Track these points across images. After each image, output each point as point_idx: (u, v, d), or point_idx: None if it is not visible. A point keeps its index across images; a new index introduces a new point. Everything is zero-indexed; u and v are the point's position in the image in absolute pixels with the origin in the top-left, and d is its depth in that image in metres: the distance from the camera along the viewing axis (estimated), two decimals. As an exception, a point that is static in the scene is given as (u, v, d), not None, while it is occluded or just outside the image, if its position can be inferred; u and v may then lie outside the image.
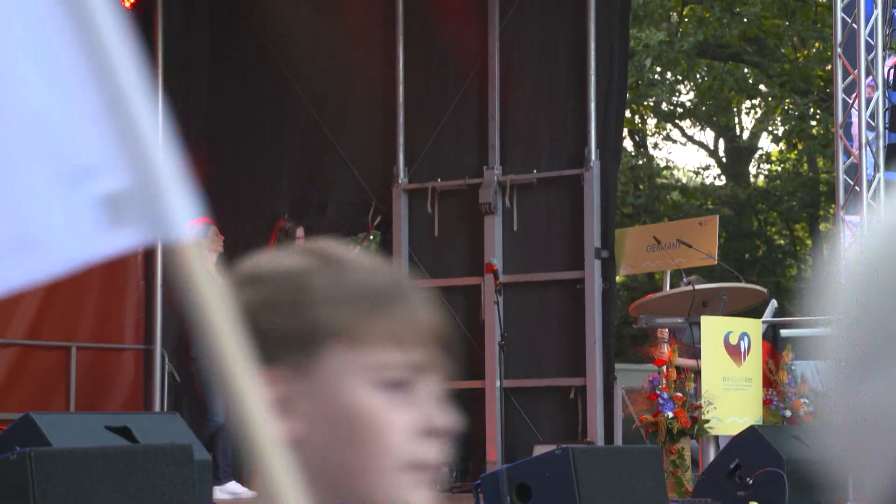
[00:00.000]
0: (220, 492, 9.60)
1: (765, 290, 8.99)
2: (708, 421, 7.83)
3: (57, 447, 4.49)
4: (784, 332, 13.79)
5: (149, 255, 12.12)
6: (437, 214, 11.85)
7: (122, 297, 12.04)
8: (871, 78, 8.42)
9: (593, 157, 11.24)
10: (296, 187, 12.30)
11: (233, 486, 9.90)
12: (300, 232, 10.31)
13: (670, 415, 7.83)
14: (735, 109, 26.09)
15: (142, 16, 11.96)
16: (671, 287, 10.69)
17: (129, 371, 12.03)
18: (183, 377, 11.95)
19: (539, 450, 9.47)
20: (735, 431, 7.55)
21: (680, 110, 26.26)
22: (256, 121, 12.35)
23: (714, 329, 8.13)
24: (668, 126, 27.01)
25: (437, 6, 12.03)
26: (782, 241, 26.38)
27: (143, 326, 12.10)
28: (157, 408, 11.72)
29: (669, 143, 27.92)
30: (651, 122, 26.64)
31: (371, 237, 13.18)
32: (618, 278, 12.24)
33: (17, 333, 11.18)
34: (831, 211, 23.89)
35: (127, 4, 11.49)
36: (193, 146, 12.28)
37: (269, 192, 12.21)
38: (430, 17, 12.03)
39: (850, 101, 8.41)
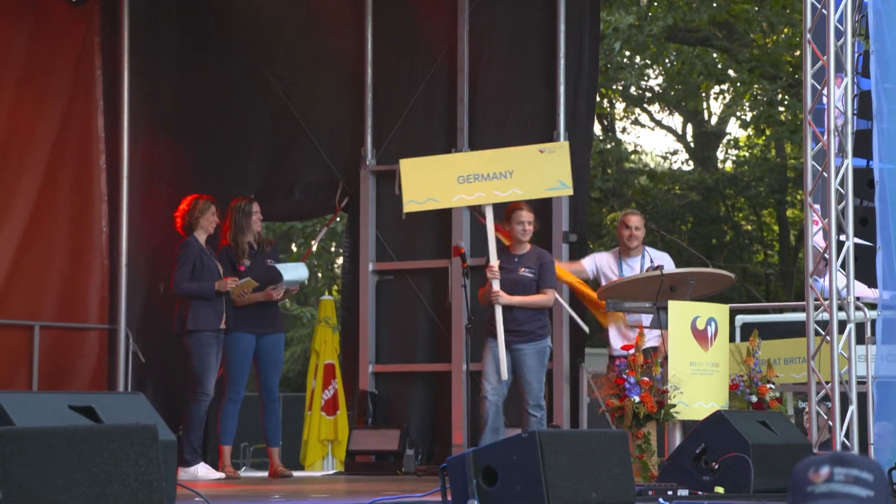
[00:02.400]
0: (183, 473, 9.58)
1: (732, 275, 9.01)
2: (674, 406, 7.86)
3: (20, 426, 4.47)
4: (750, 318, 13.85)
5: (114, 234, 12.07)
6: (405, 196, 11.83)
7: (87, 276, 11.98)
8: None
9: (562, 140, 11.22)
10: (264, 171, 12.26)
11: (201, 469, 9.88)
12: (256, 207, 10.30)
13: (637, 399, 7.85)
14: (704, 94, 26.16)
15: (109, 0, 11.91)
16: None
17: (92, 351, 11.98)
18: (153, 355, 11.92)
19: (505, 434, 9.48)
20: (701, 416, 7.57)
21: (649, 95, 26.31)
22: (226, 105, 12.29)
23: (681, 314, 8.14)
24: (637, 110, 27.06)
25: (407, -13, 12.00)
26: (750, 227, 26.48)
27: (107, 306, 12.04)
28: (121, 388, 11.68)
29: (638, 127, 28.00)
30: (620, 106, 26.68)
31: (338, 219, 13.15)
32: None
33: (-21, 312, 11.12)
34: (798, 197, 24.01)
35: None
36: (162, 130, 12.24)
37: (238, 177, 12.16)
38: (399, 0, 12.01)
39: (820, 88, 8.43)
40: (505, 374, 9.05)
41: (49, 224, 11.61)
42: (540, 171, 9.24)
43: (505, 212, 9.46)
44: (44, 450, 4.18)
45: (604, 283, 9.53)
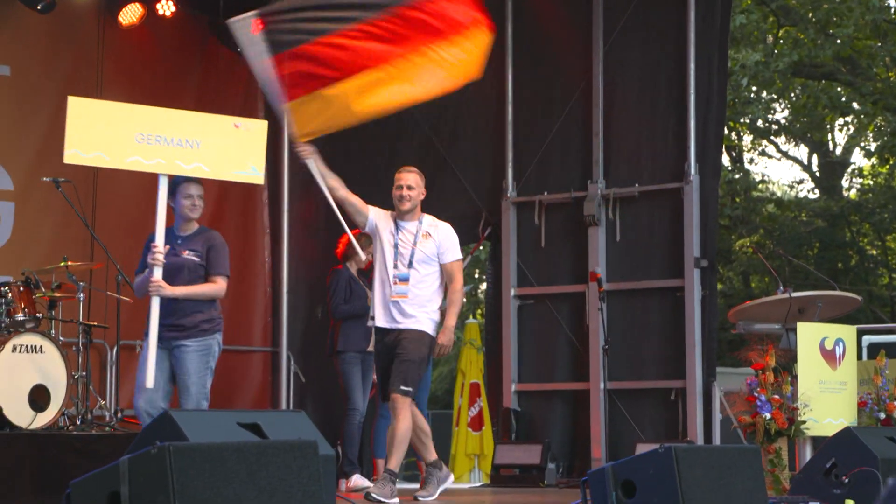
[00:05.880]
0: (343, 484, 9.66)
1: (859, 297, 8.83)
2: (804, 422, 7.72)
3: (193, 442, 4.54)
4: (877, 339, 13.56)
5: (276, 264, 12.25)
6: (544, 226, 11.83)
7: (252, 303, 12.19)
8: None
9: (693, 171, 11.15)
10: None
11: (358, 480, 9.95)
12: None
13: (768, 416, 7.73)
14: (828, 126, 25.72)
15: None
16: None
17: (257, 371, 12.15)
18: (312, 375, 12.05)
19: (641, 448, 9.40)
20: (831, 432, 7.43)
21: (775, 127, 25.95)
22: (376, 143, 12.39)
23: (810, 335, 8.01)
24: (764, 142, 26.70)
25: (544, 29, 12.02)
26: (874, 252, 25.94)
27: (270, 330, 12.22)
28: (283, 406, 11.82)
29: (765, 158, 27.61)
30: (747, 138, 26.36)
31: (481, 247, 13.18)
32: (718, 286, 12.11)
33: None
34: (922, 222, 23.48)
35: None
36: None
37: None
38: (537, 39, 12.02)
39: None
40: (150, 382, 7.06)
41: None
42: (232, 148, 7.52)
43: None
44: (215, 463, 4.25)
45: (378, 239, 8.26)
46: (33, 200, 10.78)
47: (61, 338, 9.31)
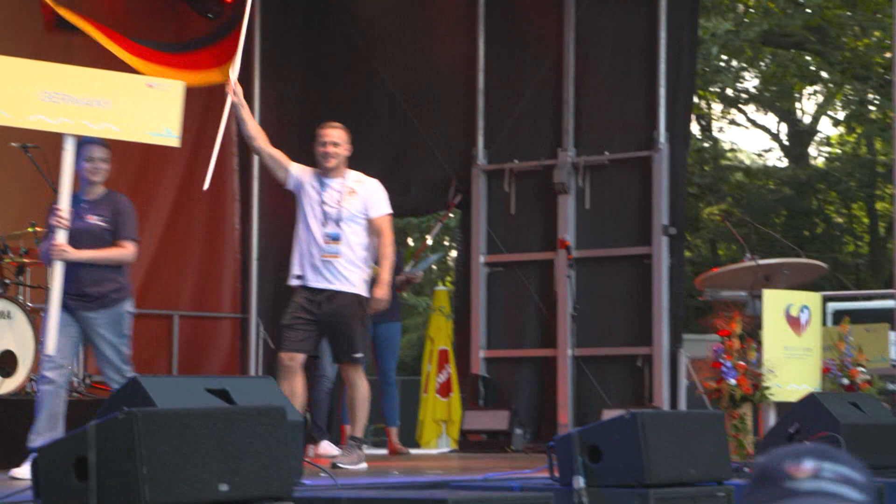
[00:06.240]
0: (311, 450, 9.67)
1: (825, 265, 8.88)
2: (769, 388, 7.78)
3: (161, 408, 4.54)
4: (841, 306, 13.63)
5: (245, 231, 12.22)
6: (514, 193, 11.84)
7: (221, 270, 12.16)
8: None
9: (662, 139, 11.17)
10: (382, 170, 12.30)
11: (326, 446, 9.96)
12: None
13: (733, 382, 7.78)
14: (797, 95, 25.80)
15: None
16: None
17: (226, 338, 12.14)
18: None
19: (608, 414, 9.45)
20: (795, 398, 7.49)
21: (744, 96, 26.01)
22: (347, 109, 12.34)
23: (775, 302, 8.06)
24: (733, 111, 26.76)
25: (515, -3, 12.00)
26: (840, 220, 26.08)
27: (239, 297, 12.20)
28: (252, 372, 11.82)
29: (734, 126, 27.69)
30: (717, 107, 26.41)
31: (451, 215, 13.17)
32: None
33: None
34: (888, 190, 23.58)
35: (227, -2, 11.53)
36: (289, 134, 12.36)
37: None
38: (509, 7, 12.00)
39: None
40: (51, 349, 6.83)
41: (186, 222, 11.79)
42: (145, 109, 7.11)
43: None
44: (182, 429, 4.25)
45: (303, 196, 8.03)
46: (1, 166, 10.71)
47: (29, 303, 9.27)
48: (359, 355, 7.89)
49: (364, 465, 8.02)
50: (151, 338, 11.41)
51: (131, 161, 10.87)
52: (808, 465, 1.85)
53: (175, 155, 11.67)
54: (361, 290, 7.95)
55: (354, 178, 8.08)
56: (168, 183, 11.66)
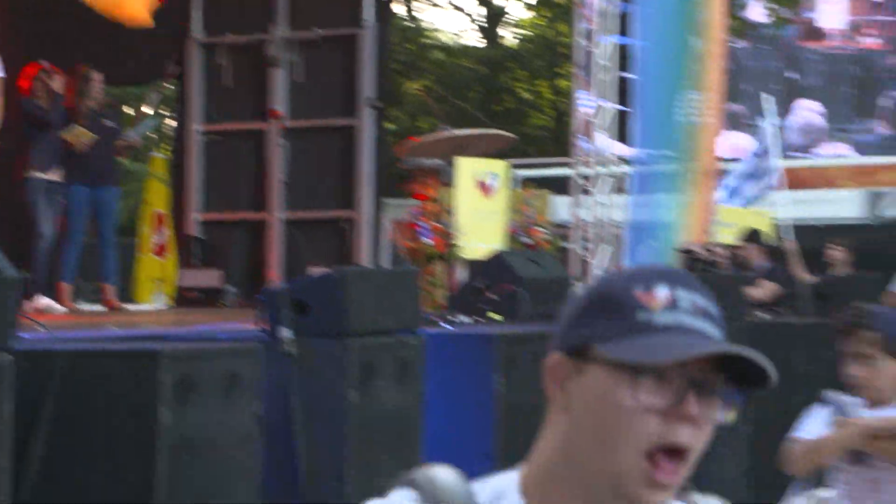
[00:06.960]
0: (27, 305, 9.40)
1: (514, 136, 9.13)
2: (460, 247, 8.00)
3: None
4: (527, 173, 14.08)
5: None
6: (231, 67, 11.67)
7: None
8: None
9: (368, 17, 11.20)
10: (101, 40, 11.88)
11: (42, 300, 9.70)
12: (97, 75, 10.01)
13: (429, 241, 7.96)
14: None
15: None
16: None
17: None
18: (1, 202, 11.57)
19: (315, 273, 9.54)
20: (483, 256, 7.73)
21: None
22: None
23: (468, 169, 8.26)
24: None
25: None
26: (528, 96, 26.76)
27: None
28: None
29: (435, 8, 27.88)
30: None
31: (169, 85, 12.88)
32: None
33: None
34: (569, 69, 24.28)
35: None
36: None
37: (75, 47, 11.77)
38: None
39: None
40: None
41: None
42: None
43: None
44: None
45: None
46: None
47: None
48: None
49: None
50: None
51: None
52: (662, 292, 1.47)
53: None
54: None
55: None
56: None
